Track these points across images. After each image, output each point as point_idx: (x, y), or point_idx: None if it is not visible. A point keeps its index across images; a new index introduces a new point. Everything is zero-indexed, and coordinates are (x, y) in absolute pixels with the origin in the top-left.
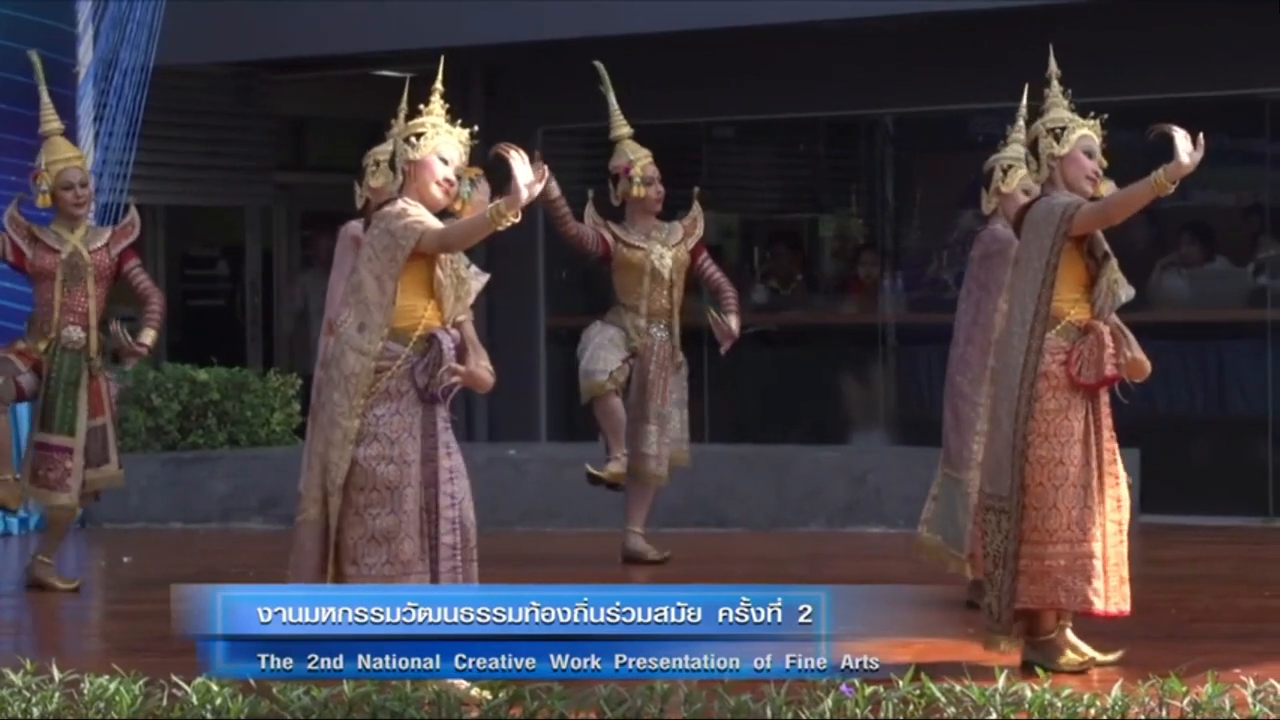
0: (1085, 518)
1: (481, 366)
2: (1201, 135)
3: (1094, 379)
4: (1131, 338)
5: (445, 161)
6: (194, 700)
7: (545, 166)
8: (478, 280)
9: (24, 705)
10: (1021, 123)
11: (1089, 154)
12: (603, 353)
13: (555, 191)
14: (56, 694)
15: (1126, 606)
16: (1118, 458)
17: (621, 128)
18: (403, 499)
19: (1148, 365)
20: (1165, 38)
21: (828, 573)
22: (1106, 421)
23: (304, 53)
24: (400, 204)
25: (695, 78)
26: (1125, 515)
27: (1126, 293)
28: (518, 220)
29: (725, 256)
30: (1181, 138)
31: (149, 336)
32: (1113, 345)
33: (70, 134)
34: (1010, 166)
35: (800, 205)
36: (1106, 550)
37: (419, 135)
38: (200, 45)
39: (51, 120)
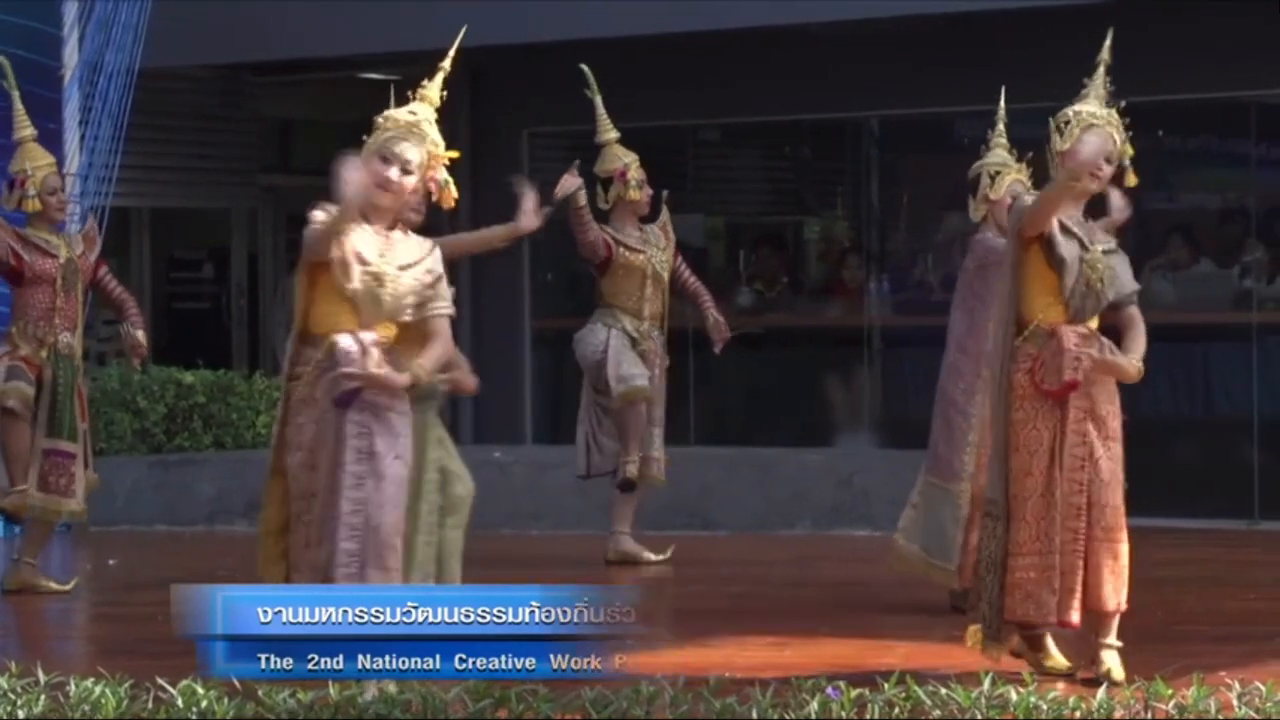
0: (1049, 530)
1: (381, 371)
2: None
3: (1055, 385)
4: (1107, 341)
5: (386, 160)
6: (179, 703)
7: (579, 178)
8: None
9: (9, 708)
10: (1001, 127)
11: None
12: (629, 355)
13: (583, 200)
14: (42, 696)
15: (1069, 617)
16: (1087, 463)
17: (609, 132)
18: (315, 506)
19: (1126, 366)
20: (1151, 41)
21: (814, 575)
22: (1075, 428)
23: (289, 55)
24: (317, 209)
25: (680, 80)
26: (1108, 520)
27: (1116, 290)
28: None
29: (710, 259)
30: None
31: (142, 337)
32: (1077, 349)
33: (55, 137)
34: (998, 172)
35: (785, 208)
36: (1060, 561)
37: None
38: (185, 48)
39: (25, 127)
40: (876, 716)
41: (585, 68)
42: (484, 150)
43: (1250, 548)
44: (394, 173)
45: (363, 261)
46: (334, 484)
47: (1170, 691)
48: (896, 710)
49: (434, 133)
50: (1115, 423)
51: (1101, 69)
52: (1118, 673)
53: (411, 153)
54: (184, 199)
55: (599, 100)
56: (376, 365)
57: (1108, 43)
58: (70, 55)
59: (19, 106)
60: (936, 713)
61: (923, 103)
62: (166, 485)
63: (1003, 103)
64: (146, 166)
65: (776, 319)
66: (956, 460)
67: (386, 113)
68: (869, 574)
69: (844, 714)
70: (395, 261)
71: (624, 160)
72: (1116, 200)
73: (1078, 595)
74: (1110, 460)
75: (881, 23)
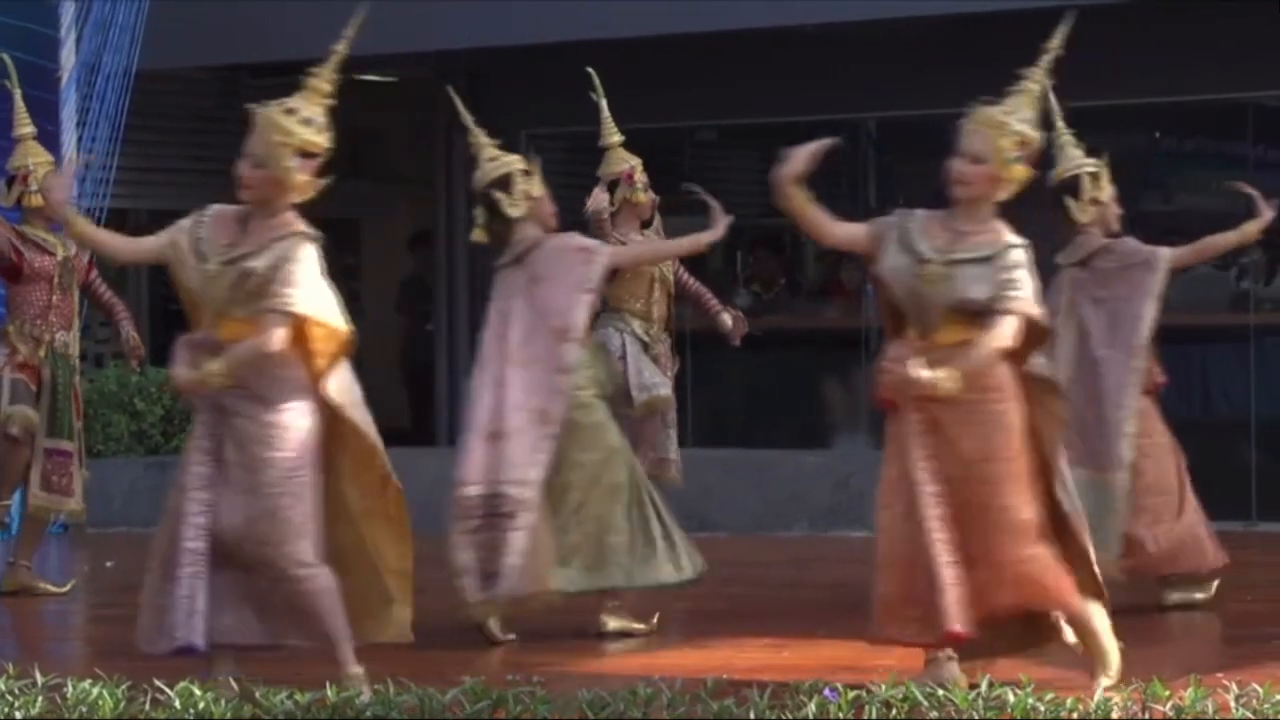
0: (894, 545)
1: (184, 371)
2: None
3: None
4: (915, 356)
5: (244, 157)
6: (177, 704)
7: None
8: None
9: (7, 709)
10: (1061, 124)
11: None
12: (647, 363)
13: (607, 212)
14: (39, 698)
15: (954, 626)
16: (935, 480)
17: (613, 135)
18: None
19: (915, 380)
20: (1148, 43)
21: (811, 576)
22: (917, 441)
23: (286, 56)
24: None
25: (677, 81)
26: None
27: (948, 299)
28: None
29: (708, 261)
30: None
31: (137, 338)
32: (887, 363)
33: (53, 138)
34: (1096, 173)
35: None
36: (940, 570)
37: None
38: (182, 49)
39: (26, 124)
40: (874, 717)
41: (592, 71)
42: None
43: (1248, 549)
44: (244, 167)
45: (201, 258)
46: (183, 482)
47: (1168, 693)
48: (894, 711)
49: (290, 122)
50: (982, 443)
51: (1043, 60)
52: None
53: (260, 146)
54: (181, 200)
55: (604, 104)
56: (189, 365)
57: (1058, 32)
58: (67, 57)
59: (20, 104)
60: (934, 714)
61: (920, 104)
62: (163, 487)
63: (1053, 100)
64: (143, 168)
65: (774, 321)
66: (1113, 450)
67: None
68: (866, 575)
69: (841, 715)
70: (231, 255)
71: (630, 163)
72: (1260, 201)
73: (961, 606)
74: (968, 484)
75: (879, 24)
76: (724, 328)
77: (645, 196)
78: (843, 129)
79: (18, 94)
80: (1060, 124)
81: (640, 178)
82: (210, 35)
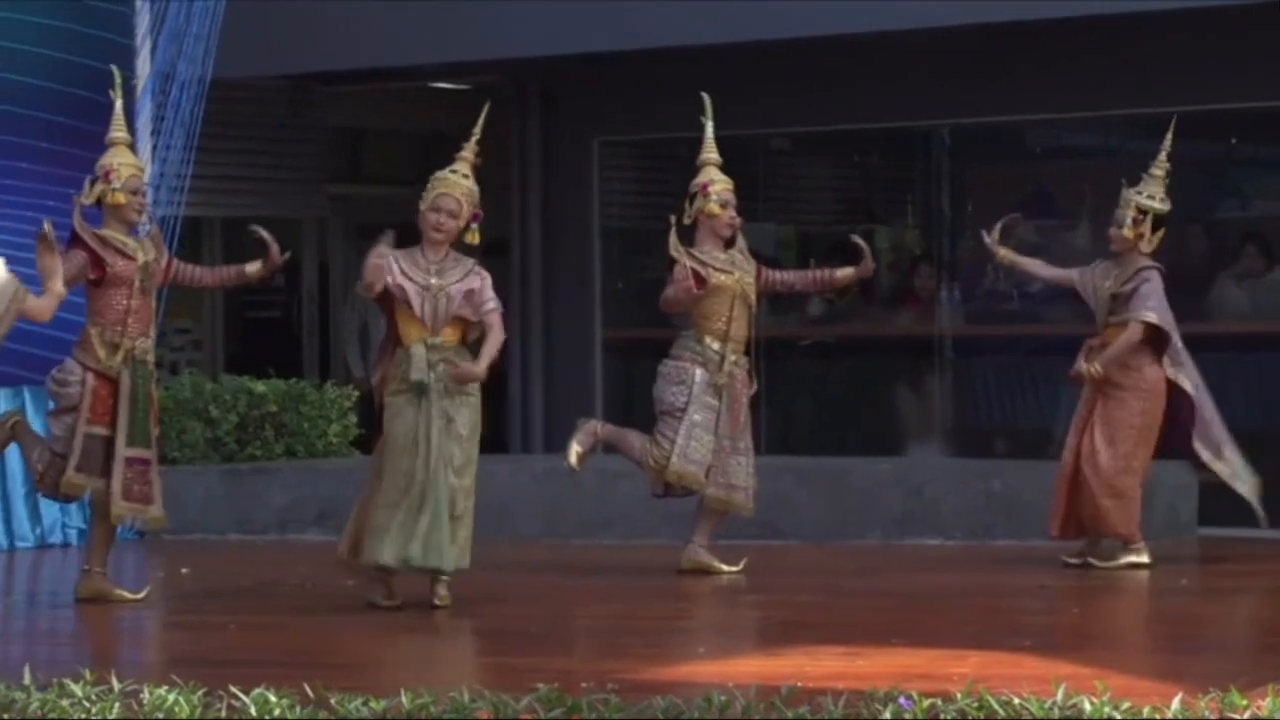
0: None
1: None
2: None
3: None
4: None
5: None
6: (252, 710)
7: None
8: None
9: (84, 715)
10: (1164, 156)
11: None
12: (699, 432)
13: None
14: (116, 704)
15: None
16: None
17: (710, 153)
18: None
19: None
20: (1222, 49)
21: (885, 584)
22: None
23: (359, 65)
24: None
25: (751, 90)
26: None
27: None
28: None
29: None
30: None
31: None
32: None
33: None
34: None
35: (856, 217)
36: None
37: None
38: (255, 58)
39: (120, 129)
40: None
41: (706, 96)
42: (556, 158)
43: None
44: None
45: None
46: None
47: (1246, 702)
48: None
49: None
50: None
51: None
52: None
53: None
54: (254, 208)
55: (710, 127)
56: None
57: None
58: (142, 66)
59: (118, 112)
60: None
61: (993, 111)
62: (238, 494)
63: (1168, 140)
64: (217, 176)
65: (847, 328)
66: None
67: None
68: (940, 583)
69: None
70: None
71: (713, 175)
72: None
73: None
74: None
75: (952, 31)
76: (849, 276)
77: (718, 209)
78: (915, 136)
79: (119, 103)
80: (1163, 157)
81: (716, 190)
82: (284, 44)
